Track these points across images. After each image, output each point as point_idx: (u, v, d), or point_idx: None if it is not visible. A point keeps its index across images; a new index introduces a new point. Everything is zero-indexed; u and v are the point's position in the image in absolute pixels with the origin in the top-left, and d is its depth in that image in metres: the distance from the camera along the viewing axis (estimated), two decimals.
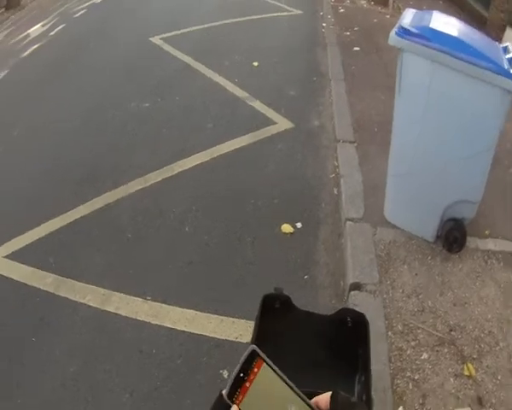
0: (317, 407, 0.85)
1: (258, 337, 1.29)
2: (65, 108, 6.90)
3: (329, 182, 5.15)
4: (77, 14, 11.14)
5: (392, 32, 3.46)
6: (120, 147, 5.84)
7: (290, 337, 1.42)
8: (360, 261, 3.92)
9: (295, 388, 0.85)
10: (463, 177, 3.76)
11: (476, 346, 3.32)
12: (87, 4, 11.86)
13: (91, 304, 3.80)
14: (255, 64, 7.96)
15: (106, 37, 9.54)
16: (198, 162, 5.44)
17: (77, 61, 8.50)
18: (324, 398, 0.85)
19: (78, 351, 3.46)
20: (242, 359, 0.84)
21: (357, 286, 3.71)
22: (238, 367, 0.84)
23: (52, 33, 10.00)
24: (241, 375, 0.84)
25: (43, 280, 4.01)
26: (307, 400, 0.85)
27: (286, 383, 0.85)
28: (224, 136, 5.91)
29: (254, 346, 0.85)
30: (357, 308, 3.46)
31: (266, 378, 0.84)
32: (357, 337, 1.35)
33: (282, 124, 6.21)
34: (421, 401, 2.99)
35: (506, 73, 3.22)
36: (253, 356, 0.84)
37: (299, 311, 1.47)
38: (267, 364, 0.85)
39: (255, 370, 0.84)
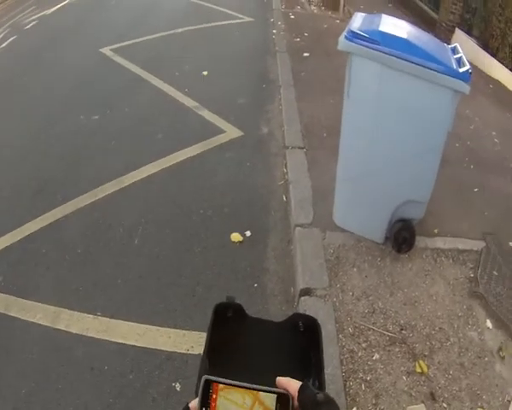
0: (285, 388, 0.84)
1: (211, 348, 1.28)
2: (14, 121, 6.75)
3: (278, 189, 5.16)
4: (28, 26, 10.95)
5: (342, 37, 3.46)
6: (70, 161, 5.72)
7: (243, 346, 1.40)
8: (310, 267, 3.92)
9: (255, 386, 0.84)
10: (412, 177, 3.81)
11: (427, 343, 3.37)
12: (38, 16, 11.66)
13: (42, 322, 3.69)
14: (205, 73, 7.96)
15: (56, 49, 9.40)
16: (148, 174, 5.37)
17: (27, 74, 8.33)
18: (295, 385, 0.84)
19: (30, 372, 3.35)
20: (200, 393, 0.83)
21: (307, 291, 3.70)
22: (198, 403, 0.83)
23: (3, 45, 9.81)
24: (203, 409, 0.83)
25: None
26: (271, 389, 0.85)
27: (244, 387, 0.84)
28: (174, 146, 5.86)
29: (205, 375, 0.85)
30: (307, 313, 3.50)
31: (226, 397, 0.84)
32: (310, 342, 1.35)
33: (231, 132, 6.21)
34: (374, 402, 3.01)
35: (455, 74, 3.27)
36: (207, 385, 0.84)
37: (252, 319, 1.46)
38: (222, 383, 0.84)
39: (214, 396, 0.83)
